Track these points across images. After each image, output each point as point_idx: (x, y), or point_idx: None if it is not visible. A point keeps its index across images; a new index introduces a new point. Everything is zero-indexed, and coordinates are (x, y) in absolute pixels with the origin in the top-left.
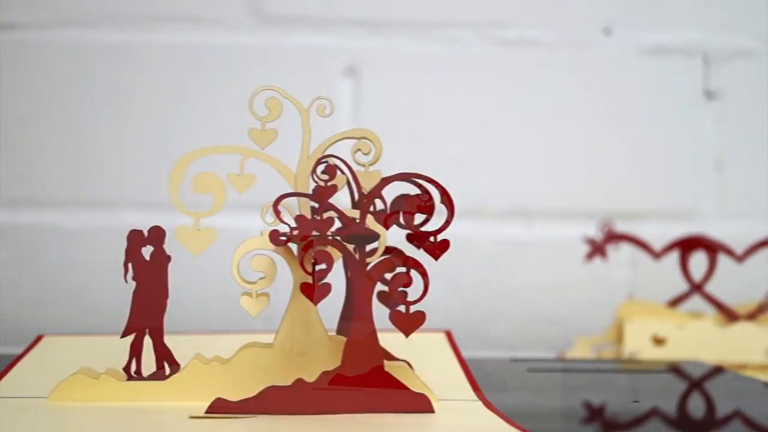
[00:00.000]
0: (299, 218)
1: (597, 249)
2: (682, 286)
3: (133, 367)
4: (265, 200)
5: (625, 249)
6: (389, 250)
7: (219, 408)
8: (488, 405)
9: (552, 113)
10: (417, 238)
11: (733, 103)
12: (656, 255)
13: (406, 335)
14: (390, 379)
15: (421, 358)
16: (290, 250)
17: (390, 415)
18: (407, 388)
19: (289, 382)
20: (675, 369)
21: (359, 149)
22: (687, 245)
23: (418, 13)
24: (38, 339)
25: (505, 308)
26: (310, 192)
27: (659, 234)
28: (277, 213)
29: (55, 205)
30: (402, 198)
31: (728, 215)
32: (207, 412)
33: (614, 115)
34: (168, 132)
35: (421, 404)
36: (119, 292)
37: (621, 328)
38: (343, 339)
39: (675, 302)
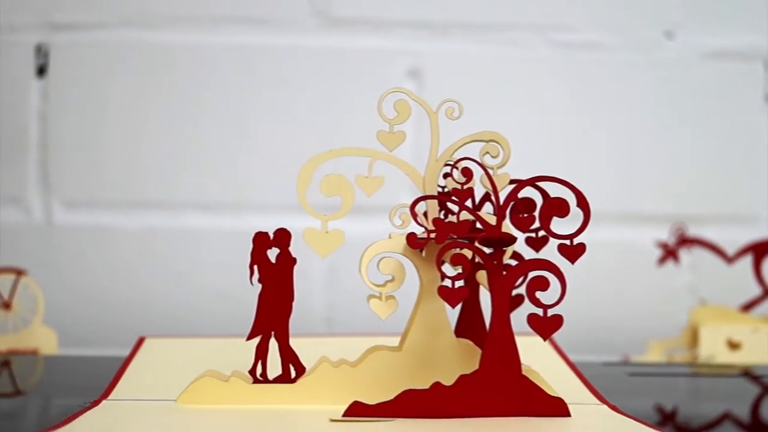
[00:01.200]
0: (436, 221)
1: (669, 253)
2: (745, 288)
3: (259, 370)
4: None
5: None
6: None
7: (357, 411)
8: (615, 408)
9: (614, 116)
10: (537, 242)
11: None
12: (729, 259)
13: (544, 339)
14: (528, 383)
15: (530, 362)
16: (418, 253)
17: (526, 418)
18: (545, 393)
19: (418, 386)
20: (747, 373)
21: (487, 152)
22: (760, 249)
23: (481, 16)
24: (140, 341)
25: (568, 312)
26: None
27: (719, 238)
28: (414, 216)
29: (115, 207)
30: (526, 200)
31: None
32: (345, 415)
33: (675, 119)
34: (229, 133)
35: (557, 408)
36: (180, 294)
37: (694, 333)
38: (470, 343)
39: (748, 307)
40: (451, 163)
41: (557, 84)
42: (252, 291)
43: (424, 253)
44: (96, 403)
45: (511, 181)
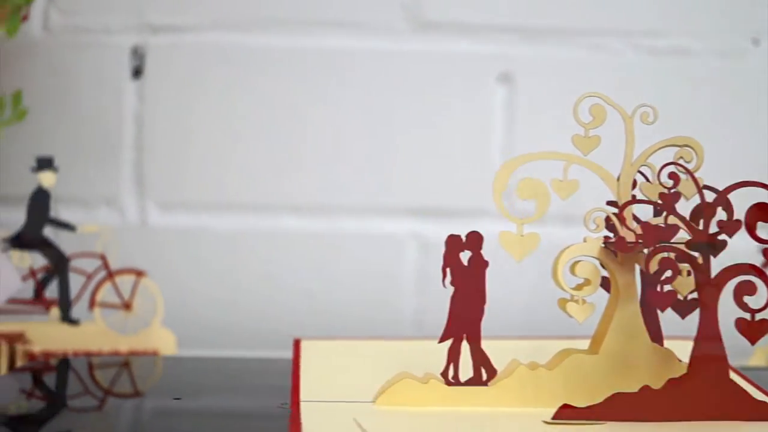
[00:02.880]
0: (644, 225)
1: None
2: None
3: (451, 372)
4: None
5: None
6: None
7: (566, 414)
8: None
9: (700, 123)
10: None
11: None
12: None
13: (752, 343)
14: (735, 387)
15: None
16: (613, 257)
17: (735, 423)
18: (752, 397)
19: (618, 390)
20: None
21: (681, 157)
22: None
23: (572, 21)
24: (297, 343)
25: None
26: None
27: None
28: (623, 220)
29: (209, 209)
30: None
31: None
32: (554, 418)
33: (762, 126)
34: (321, 136)
35: (764, 413)
36: (269, 297)
37: None
38: (663, 348)
39: None
40: (648, 168)
41: (645, 89)
42: (332, 292)
43: (619, 257)
44: (295, 404)
45: (704, 187)
